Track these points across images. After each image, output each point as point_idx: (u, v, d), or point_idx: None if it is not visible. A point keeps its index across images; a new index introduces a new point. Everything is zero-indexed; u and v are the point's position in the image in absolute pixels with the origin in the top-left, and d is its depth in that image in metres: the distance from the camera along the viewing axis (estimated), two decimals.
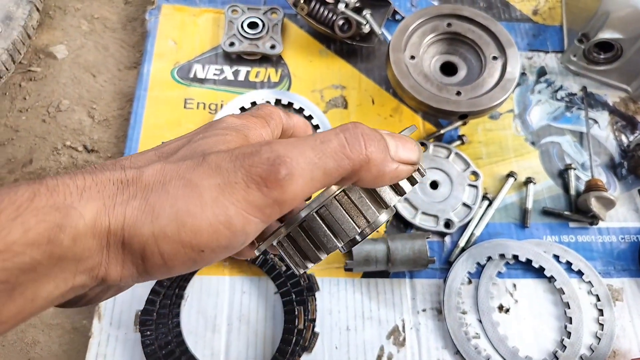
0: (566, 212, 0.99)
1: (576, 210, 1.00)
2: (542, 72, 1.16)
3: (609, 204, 0.96)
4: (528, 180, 1.01)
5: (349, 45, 1.15)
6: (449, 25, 1.03)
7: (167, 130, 1.04)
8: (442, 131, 1.06)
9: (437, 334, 0.88)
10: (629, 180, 1.04)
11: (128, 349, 0.84)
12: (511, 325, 0.89)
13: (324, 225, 0.38)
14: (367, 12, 1.09)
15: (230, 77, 1.12)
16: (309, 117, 1.05)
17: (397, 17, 1.21)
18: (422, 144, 1.03)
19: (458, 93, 0.96)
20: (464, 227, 0.97)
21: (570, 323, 0.88)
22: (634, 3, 1.01)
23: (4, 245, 0.28)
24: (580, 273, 0.93)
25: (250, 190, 0.32)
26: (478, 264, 0.93)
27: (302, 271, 0.40)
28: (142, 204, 0.32)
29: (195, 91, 1.09)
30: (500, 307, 0.91)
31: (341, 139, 0.35)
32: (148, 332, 0.83)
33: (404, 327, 0.88)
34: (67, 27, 1.20)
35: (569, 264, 0.94)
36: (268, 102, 1.06)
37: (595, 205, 0.95)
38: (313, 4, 1.08)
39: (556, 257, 0.94)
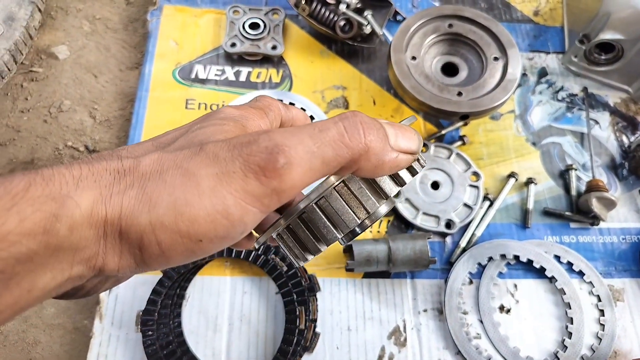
0: (567, 213, 0.99)
1: (577, 210, 1.00)
2: (543, 73, 1.16)
3: (609, 204, 0.96)
4: (529, 181, 1.01)
5: (350, 46, 1.15)
6: (450, 26, 1.03)
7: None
8: (443, 132, 1.06)
9: (438, 334, 0.88)
10: (629, 180, 1.04)
11: (129, 349, 0.84)
12: (512, 325, 0.89)
13: (323, 217, 0.38)
14: (368, 13, 1.09)
15: (232, 77, 1.12)
16: (310, 117, 1.05)
17: (398, 17, 1.21)
18: (423, 144, 1.02)
19: (459, 94, 0.96)
20: (465, 228, 0.97)
21: (571, 323, 0.88)
22: (635, 4, 1.02)
23: None
24: (581, 273, 0.93)
25: (248, 180, 0.32)
26: (479, 264, 0.93)
27: (301, 263, 0.40)
28: (139, 194, 0.32)
29: (197, 92, 1.09)
30: (501, 308, 0.90)
31: (340, 128, 0.34)
32: (149, 332, 0.83)
33: (405, 328, 0.88)
34: (68, 28, 1.20)
35: (570, 264, 0.94)
36: None
37: (596, 206, 0.95)
38: (314, 4, 1.08)
39: (557, 257, 0.94)
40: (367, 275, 0.92)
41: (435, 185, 0.99)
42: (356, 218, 0.38)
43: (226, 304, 0.89)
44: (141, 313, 0.84)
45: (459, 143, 1.05)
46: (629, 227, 0.99)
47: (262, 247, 0.89)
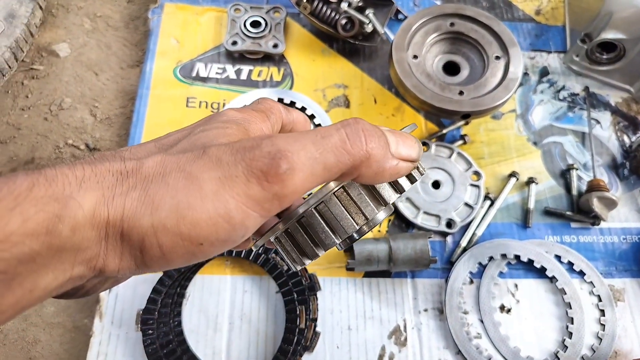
0: (568, 213, 0.99)
1: (578, 210, 1.00)
2: (544, 72, 1.16)
3: (610, 204, 0.95)
4: (530, 181, 1.01)
5: (351, 44, 1.15)
6: (451, 24, 1.03)
7: (170, 128, 1.02)
8: (444, 131, 1.06)
9: (438, 334, 0.88)
10: (631, 180, 1.04)
11: (129, 347, 0.84)
12: (513, 325, 0.89)
13: (322, 222, 0.38)
14: (369, 12, 1.09)
15: (233, 75, 1.11)
16: (311, 116, 1.05)
17: (400, 16, 1.21)
18: (424, 144, 1.02)
19: (460, 93, 0.95)
20: (465, 227, 0.97)
21: (572, 323, 0.88)
22: (637, 3, 1.01)
23: (2, 235, 0.27)
24: (581, 273, 0.93)
25: (250, 184, 0.32)
26: (480, 264, 0.93)
27: (298, 267, 0.40)
28: (141, 196, 0.32)
29: (198, 90, 1.09)
30: (502, 307, 0.90)
31: (342, 134, 0.34)
32: (149, 331, 0.83)
33: (405, 327, 0.88)
34: (69, 26, 1.20)
35: (570, 264, 0.94)
36: None
37: (597, 206, 0.95)
38: (316, 3, 1.08)
39: (558, 257, 0.94)
40: (368, 274, 0.92)
41: (436, 185, 0.99)
42: (355, 224, 0.38)
43: (226, 303, 0.89)
44: (141, 312, 0.84)
45: (460, 142, 1.05)
46: (630, 227, 0.99)
47: (262, 247, 0.89)
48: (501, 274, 0.93)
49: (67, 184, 0.31)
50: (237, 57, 1.14)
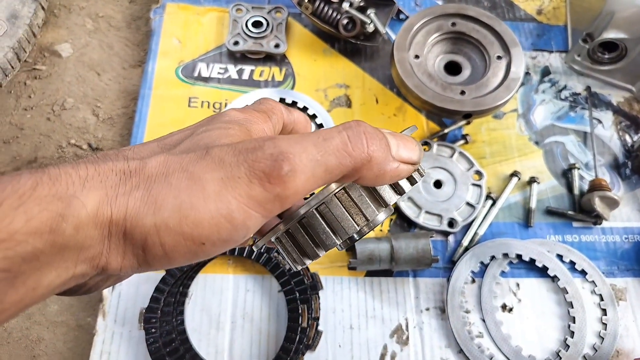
0: (570, 212, 0.99)
1: (580, 210, 1.00)
2: (546, 72, 1.16)
3: (612, 203, 0.96)
4: (532, 180, 1.01)
5: (353, 44, 1.15)
6: (453, 24, 1.03)
7: (172, 128, 1.02)
8: (445, 130, 1.06)
9: (440, 333, 0.88)
10: (632, 180, 1.04)
11: (132, 346, 0.85)
12: (514, 324, 0.89)
13: (323, 223, 0.38)
14: (371, 11, 1.09)
15: (235, 76, 1.12)
16: (313, 116, 1.05)
17: (402, 16, 1.21)
18: (426, 143, 1.03)
19: (462, 92, 0.96)
20: (467, 227, 0.97)
21: (574, 322, 0.88)
22: (639, 3, 1.01)
23: (6, 234, 0.28)
24: (583, 273, 0.93)
25: (252, 185, 0.32)
26: (481, 263, 0.93)
27: (299, 267, 0.40)
28: (144, 195, 0.32)
29: (200, 90, 1.09)
30: (504, 307, 0.91)
31: (344, 137, 0.35)
32: (152, 330, 0.83)
33: (407, 326, 0.89)
34: (72, 26, 1.21)
35: (572, 263, 0.94)
36: None
37: (599, 205, 0.95)
38: (317, 3, 1.08)
39: (560, 256, 0.94)
40: (370, 273, 0.93)
41: (437, 184, 1.00)
42: (355, 225, 0.38)
43: (229, 302, 0.89)
44: (144, 311, 0.85)
45: (462, 142, 1.05)
46: (632, 227, 0.99)
47: (263, 246, 0.89)
48: (503, 273, 0.93)
49: (71, 183, 0.31)
50: (239, 57, 1.14)
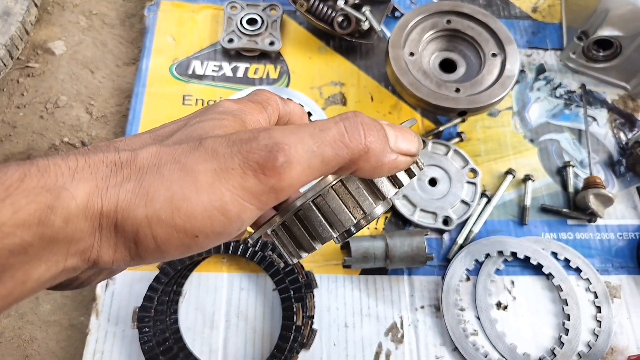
0: (564, 210, 0.99)
1: (574, 207, 1.00)
2: (541, 70, 1.16)
3: (607, 201, 0.96)
4: (526, 178, 1.01)
5: (348, 42, 1.15)
6: (448, 22, 1.03)
7: None
8: (440, 128, 1.06)
9: (435, 331, 0.88)
10: (627, 177, 1.04)
11: (126, 345, 0.84)
12: (509, 322, 0.89)
13: (319, 215, 0.37)
14: (366, 9, 1.09)
15: (229, 73, 1.11)
16: (308, 114, 1.05)
17: (397, 13, 1.20)
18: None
19: (457, 90, 0.95)
20: (462, 224, 0.97)
21: (568, 320, 0.88)
22: (634, 1, 1.01)
23: None
24: (578, 270, 0.93)
25: (246, 177, 0.31)
26: (476, 261, 0.93)
27: (295, 260, 0.40)
28: (136, 187, 0.31)
29: (194, 87, 1.09)
30: (499, 304, 0.91)
31: (340, 128, 0.34)
32: (146, 329, 0.82)
33: (402, 324, 0.88)
34: (65, 23, 1.20)
35: (567, 261, 0.94)
36: None
37: (593, 203, 0.95)
38: (312, 0, 1.08)
39: (554, 254, 0.94)
40: (365, 271, 0.92)
41: (432, 182, 0.99)
42: (352, 217, 0.38)
43: (223, 300, 0.89)
44: (137, 309, 0.84)
45: (457, 139, 1.05)
46: (626, 224, 0.99)
47: (258, 243, 0.89)
48: (498, 271, 0.93)
49: (60, 174, 0.30)
50: (234, 55, 1.13)
